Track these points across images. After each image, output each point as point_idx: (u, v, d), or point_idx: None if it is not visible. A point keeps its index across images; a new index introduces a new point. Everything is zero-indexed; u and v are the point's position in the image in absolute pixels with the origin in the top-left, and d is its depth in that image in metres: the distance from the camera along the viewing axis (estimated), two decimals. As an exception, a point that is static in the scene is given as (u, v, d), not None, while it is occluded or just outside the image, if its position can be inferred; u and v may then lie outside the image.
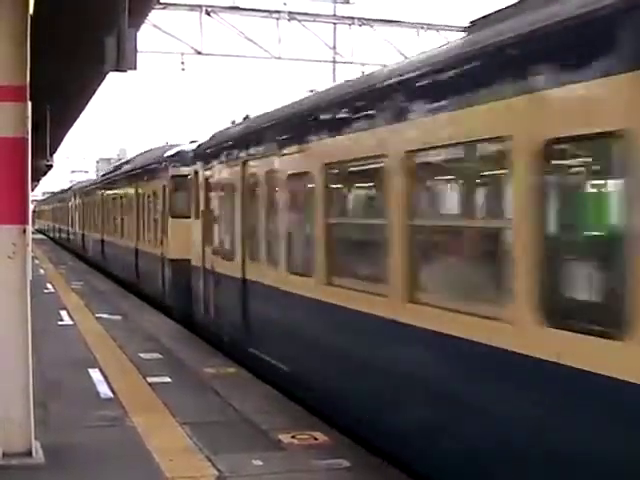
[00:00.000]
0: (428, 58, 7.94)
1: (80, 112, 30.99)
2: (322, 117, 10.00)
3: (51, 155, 38.38)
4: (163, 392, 10.81)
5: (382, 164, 8.16)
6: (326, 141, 9.60)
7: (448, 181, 8.14)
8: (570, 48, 5.69)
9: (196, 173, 15.89)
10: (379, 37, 26.33)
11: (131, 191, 25.79)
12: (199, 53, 25.19)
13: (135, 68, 12.11)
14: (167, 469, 7.77)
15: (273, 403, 10.34)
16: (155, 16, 22.76)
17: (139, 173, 24.69)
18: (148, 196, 22.57)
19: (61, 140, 41.07)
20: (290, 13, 25.87)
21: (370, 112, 8.64)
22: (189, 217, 16.55)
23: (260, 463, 7.94)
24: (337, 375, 9.23)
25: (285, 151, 10.94)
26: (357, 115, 8.97)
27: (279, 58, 26.02)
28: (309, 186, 10.08)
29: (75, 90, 24.00)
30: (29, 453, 7.81)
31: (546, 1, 6.15)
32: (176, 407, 10.00)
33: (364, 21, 26.73)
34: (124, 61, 11.90)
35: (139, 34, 12.84)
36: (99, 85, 23.69)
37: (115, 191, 29.98)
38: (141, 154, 28.58)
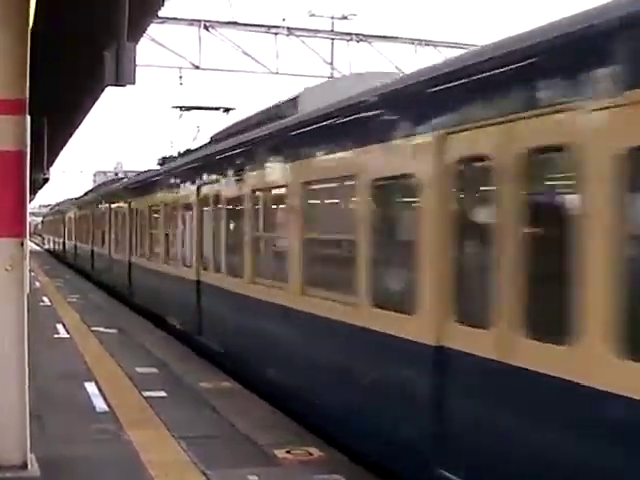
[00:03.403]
0: None
1: (78, 125, 31.07)
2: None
3: (48, 168, 38.45)
4: (159, 406, 10.81)
5: None
6: None
7: None
8: None
9: None
10: (376, 53, 26.48)
11: None
12: (197, 67, 25.30)
13: (134, 83, 12.11)
14: (162, 483, 7.78)
15: (268, 418, 10.34)
16: (154, 30, 22.88)
17: None
18: None
19: (58, 153, 41.15)
20: (289, 29, 26.00)
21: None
22: None
23: (255, 478, 7.92)
24: None
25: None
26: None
27: (277, 73, 26.14)
28: None
29: (73, 104, 24.08)
30: (24, 466, 7.79)
31: None
32: (172, 421, 9.99)
33: (362, 37, 26.87)
34: (123, 76, 11.91)
35: (137, 48, 12.84)
36: (97, 99, 23.77)
37: None
38: None
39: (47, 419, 9.86)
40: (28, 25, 7.91)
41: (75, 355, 14.83)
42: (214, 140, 17.05)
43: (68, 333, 17.70)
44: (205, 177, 15.48)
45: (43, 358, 13.35)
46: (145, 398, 11.30)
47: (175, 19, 24.69)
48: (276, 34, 25.74)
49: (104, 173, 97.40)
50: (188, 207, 16.76)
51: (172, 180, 18.93)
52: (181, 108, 23.25)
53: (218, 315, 14.17)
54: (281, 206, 11.62)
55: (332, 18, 34.44)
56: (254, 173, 12.24)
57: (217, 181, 14.42)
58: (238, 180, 12.92)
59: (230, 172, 13.57)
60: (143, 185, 23.34)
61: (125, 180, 31.84)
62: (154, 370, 13.49)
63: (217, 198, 14.35)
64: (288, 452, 8.73)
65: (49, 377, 12.39)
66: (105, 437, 9.34)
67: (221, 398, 11.38)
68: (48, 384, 11.84)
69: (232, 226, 13.85)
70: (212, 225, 14.73)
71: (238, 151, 13.50)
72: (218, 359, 13.88)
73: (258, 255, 12.37)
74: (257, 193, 12.22)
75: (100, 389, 11.81)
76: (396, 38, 26.91)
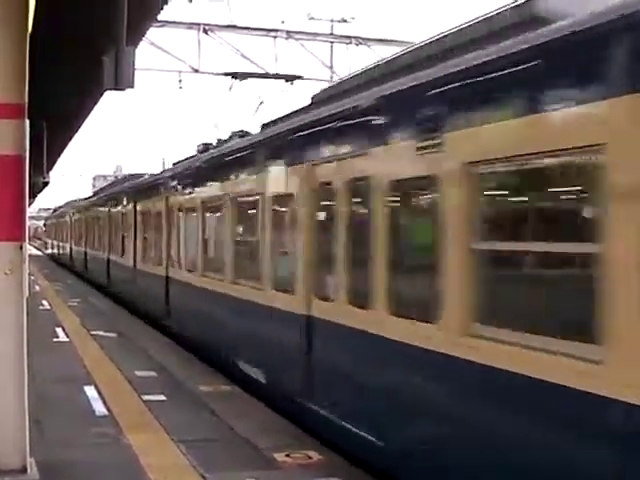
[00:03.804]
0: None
1: (77, 129, 31.08)
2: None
3: (48, 172, 38.47)
4: (158, 410, 10.81)
5: None
6: None
7: None
8: None
9: None
10: (376, 56, 26.47)
11: None
12: (196, 71, 25.30)
13: (133, 87, 12.13)
14: (162, 487, 7.79)
15: (268, 421, 10.34)
16: (153, 34, 22.90)
17: None
18: None
19: (58, 157, 41.16)
20: (288, 32, 26.00)
21: None
22: None
23: (255, 481, 7.95)
24: None
25: None
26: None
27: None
28: None
29: (72, 108, 24.08)
30: (24, 470, 7.78)
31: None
32: (171, 425, 9.99)
33: (361, 40, 26.86)
34: (122, 80, 11.93)
35: (137, 52, 12.86)
36: (96, 103, 23.79)
37: None
38: None
39: (46, 423, 9.86)
40: (27, 29, 7.92)
41: (74, 359, 14.83)
42: (317, 102, 11.42)
43: (68, 337, 17.70)
44: (332, 150, 9.64)
45: (42, 362, 13.34)
46: (144, 402, 11.31)
47: (174, 23, 24.68)
48: (275, 37, 25.74)
49: (104, 177, 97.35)
50: (281, 201, 11.25)
51: (246, 163, 13.30)
52: (233, 76, 19.81)
53: (358, 379, 8.58)
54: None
55: (331, 21, 34.42)
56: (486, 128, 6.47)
57: (366, 154, 8.52)
58: (434, 147, 7.12)
59: (403, 136, 7.82)
60: (190, 174, 17.48)
61: (151, 174, 25.82)
62: (153, 374, 13.49)
63: (363, 183, 8.55)
64: (287, 455, 8.73)
65: (48, 381, 12.39)
66: (104, 441, 9.34)
67: (220, 401, 11.38)
68: (47, 388, 11.84)
69: (411, 232, 8.27)
70: (351, 230, 8.99)
71: (438, 89, 7.41)
72: (353, 446, 8.70)
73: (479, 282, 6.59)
74: (486, 168, 6.55)
75: (99, 393, 11.81)
76: (395, 41, 26.91)
